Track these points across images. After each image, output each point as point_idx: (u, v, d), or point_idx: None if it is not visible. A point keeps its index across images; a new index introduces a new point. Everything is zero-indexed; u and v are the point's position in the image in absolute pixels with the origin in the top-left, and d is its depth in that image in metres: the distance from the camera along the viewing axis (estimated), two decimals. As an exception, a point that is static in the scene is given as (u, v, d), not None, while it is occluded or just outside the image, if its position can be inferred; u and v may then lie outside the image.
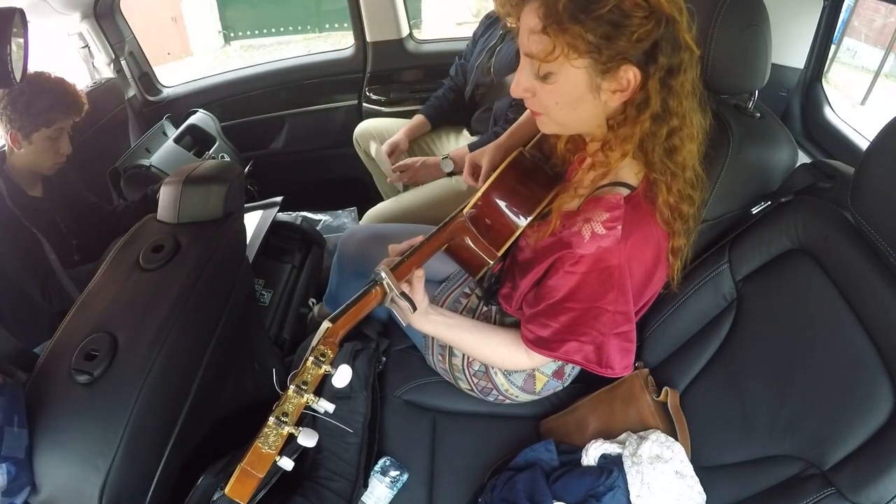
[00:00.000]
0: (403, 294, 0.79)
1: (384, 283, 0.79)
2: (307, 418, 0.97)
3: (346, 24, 3.50)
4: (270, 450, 0.63)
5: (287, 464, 0.64)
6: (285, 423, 0.64)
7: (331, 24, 6.79)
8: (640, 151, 0.78)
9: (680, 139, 0.76)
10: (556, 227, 0.80)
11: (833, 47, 1.37)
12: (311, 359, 0.68)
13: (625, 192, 0.77)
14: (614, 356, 0.82)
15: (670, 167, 0.77)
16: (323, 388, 1.05)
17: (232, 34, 6.85)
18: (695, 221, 0.82)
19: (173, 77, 2.18)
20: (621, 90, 0.72)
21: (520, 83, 0.77)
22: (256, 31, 6.80)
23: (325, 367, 0.68)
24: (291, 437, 0.65)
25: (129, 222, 1.00)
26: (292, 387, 0.66)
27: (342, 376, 0.69)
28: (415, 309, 0.81)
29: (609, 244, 0.75)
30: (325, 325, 0.74)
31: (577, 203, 0.80)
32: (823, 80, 1.39)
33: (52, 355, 0.75)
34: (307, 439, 0.65)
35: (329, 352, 0.69)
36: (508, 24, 0.78)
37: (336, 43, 6.40)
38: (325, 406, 0.67)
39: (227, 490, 0.62)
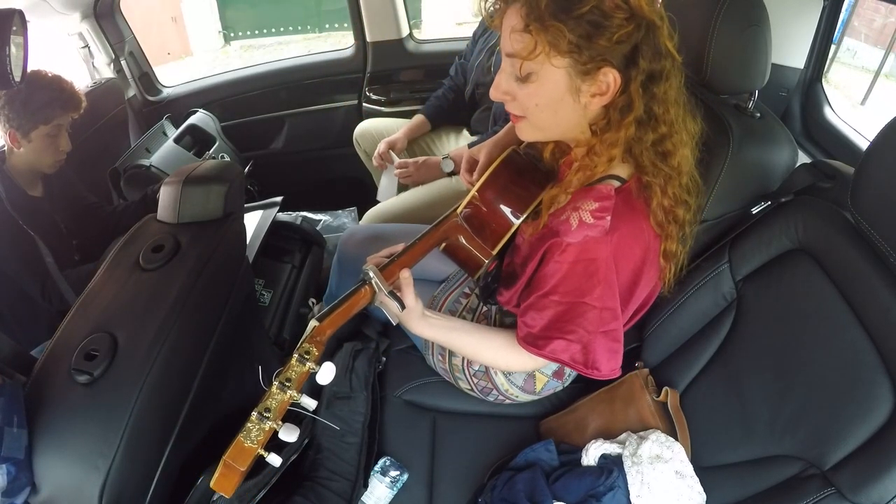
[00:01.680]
0: (392, 293, 0.79)
1: (373, 282, 0.79)
2: (308, 420, 0.97)
3: (346, 24, 3.50)
4: (252, 444, 0.63)
5: (275, 460, 0.65)
6: (267, 418, 0.64)
7: (331, 24, 6.81)
8: (630, 156, 0.78)
9: (672, 144, 0.76)
10: (546, 220, 0.80)
11: (833, 47, 1.38)
12: (295, 356, 0.68)
13: (616, 184, 0.78)
14: (601, 357, 0.82)
15: (664, 170, 0.77)
16: (322, 393, 1.06)
17: (232, 34, 6.86)
18: (690, 227, 0.82)
19: (173, 77, 2.18)
20: (601, 93, 0.72)
21: (499, 86, 0.77)
22: (256, 31, 6.81)
23: (310, 365, 0.68)
24: (274, 433, 0.65)
25: (128, 222, 0.99)
26: (276, 383, 0.67)
27: (326, 373, 0.70)
28: (403, 308, 0.81)
29: (596, 234, 0.75)
30: (313, 323, 0.74)
31: (565, 198, 0.80)
32: (823, 79, 1.39)
33: (52, 355, 0.75)
34: (288, 434, 0.65)
35: (314, 349, 0.70)
36: (493, 28, 0.78)
37: (336, 43, 6.41)
38: (307, 402, 0.67)
39: (211, 483, 0.63)
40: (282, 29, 6.79)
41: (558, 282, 0.79)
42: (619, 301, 0.80)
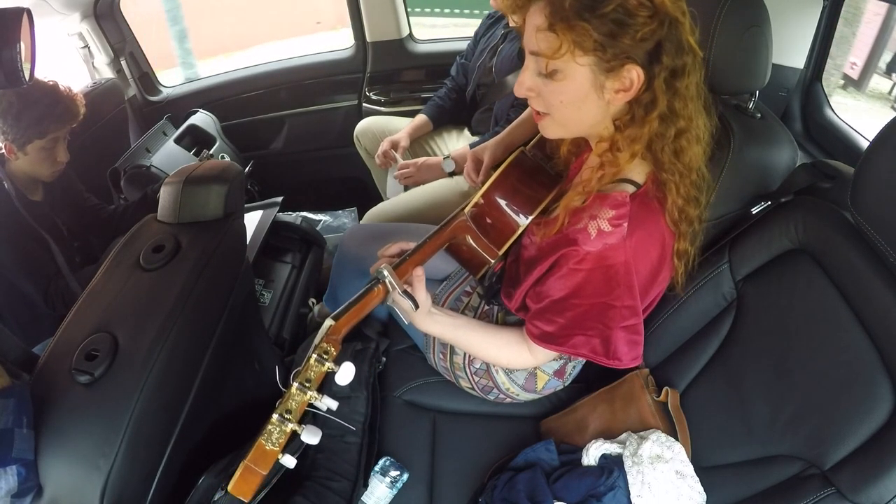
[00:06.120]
0: (405, 292, 0.80)
1: (386, 281, 0.79)
2: (309, 416, 0.97)
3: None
4: (274, 447, 0.63)
5: (290, 461, 0.64)
6: (289, 420, 0.64)
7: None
8: (649, 152, 0.78)
9: (687, 140, 0.77)
10: (563, 224, 0.80)
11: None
12: (313, 356, 0.68)
13: (630, 189, 0.78)
14: (622, 348, 0.82)
15: (678, 167, 0.77)
16: (323, 387, 1.06)
17: (409, 8, 5.67)
18: (700, 224, 0.83)
19: (329, 45, 2.03)
20: (624, 90, 0.73)
21: (523, 83, 0.78)
22: (437, 10, 5.65)
23: (329, 365, 0.68)
24: (294, 435, 0.65)
25: (129, 222, 0.99)
26: (295, 384, 0.66)
27: (345, 374, 0.69)
28: (416, 307, 0.82)
29: (614, 241, 0.75)
30: (328, 322, 0.74)
31: (582, 199, 0.80)
32: (866, 89, 1.39)
33: (53, 355, 0.75)
34: (310, 436, 0.65)
35: (332, 349, 0.70)
36: (511, 24, 0.79)
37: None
38: (328, 403, 0.67)
39: (230, 487, 0.63)
40: (466, 11, 5.35)
41: (577, 288, 0.79)
42: (639, 300, 0.81)
